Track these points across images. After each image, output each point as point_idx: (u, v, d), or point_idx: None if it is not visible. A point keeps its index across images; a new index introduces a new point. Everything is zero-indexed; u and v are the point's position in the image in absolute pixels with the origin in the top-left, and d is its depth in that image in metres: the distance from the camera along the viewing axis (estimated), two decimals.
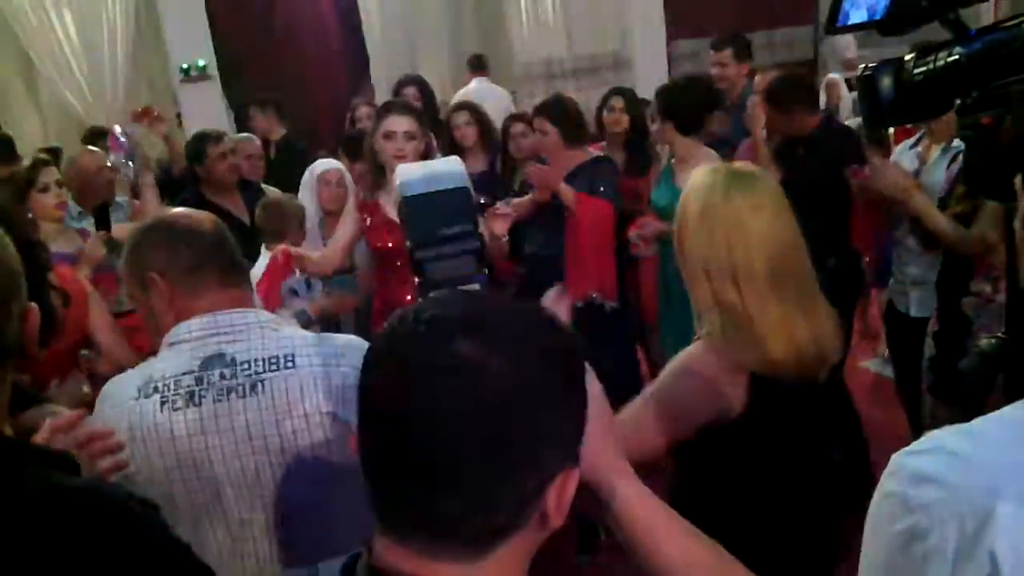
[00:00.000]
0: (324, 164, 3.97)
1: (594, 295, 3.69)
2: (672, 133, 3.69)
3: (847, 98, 7.34)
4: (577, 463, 0.84)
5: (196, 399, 1.59)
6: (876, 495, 1.01)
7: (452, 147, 4.49)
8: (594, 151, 4.03)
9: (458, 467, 0.77)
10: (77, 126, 7.58)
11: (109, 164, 4.13)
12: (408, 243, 1.06)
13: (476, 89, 7.06)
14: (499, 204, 3.31)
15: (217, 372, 1.60)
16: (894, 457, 1.04)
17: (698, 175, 1.83)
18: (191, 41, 7.37)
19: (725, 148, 3.96)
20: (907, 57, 1.65)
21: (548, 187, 3.67)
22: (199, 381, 1.60)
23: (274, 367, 1.61)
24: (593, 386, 0.93)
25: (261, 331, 1.65)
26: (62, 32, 7.26)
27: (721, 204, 1.73)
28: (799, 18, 9.06)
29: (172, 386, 1.60)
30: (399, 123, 3.18)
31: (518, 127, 4.36)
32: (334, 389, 1.61)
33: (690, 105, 3.69)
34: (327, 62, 9.80)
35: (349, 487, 1.55)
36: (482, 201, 3.94)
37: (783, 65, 6.02)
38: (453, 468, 0.77)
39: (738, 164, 2.01)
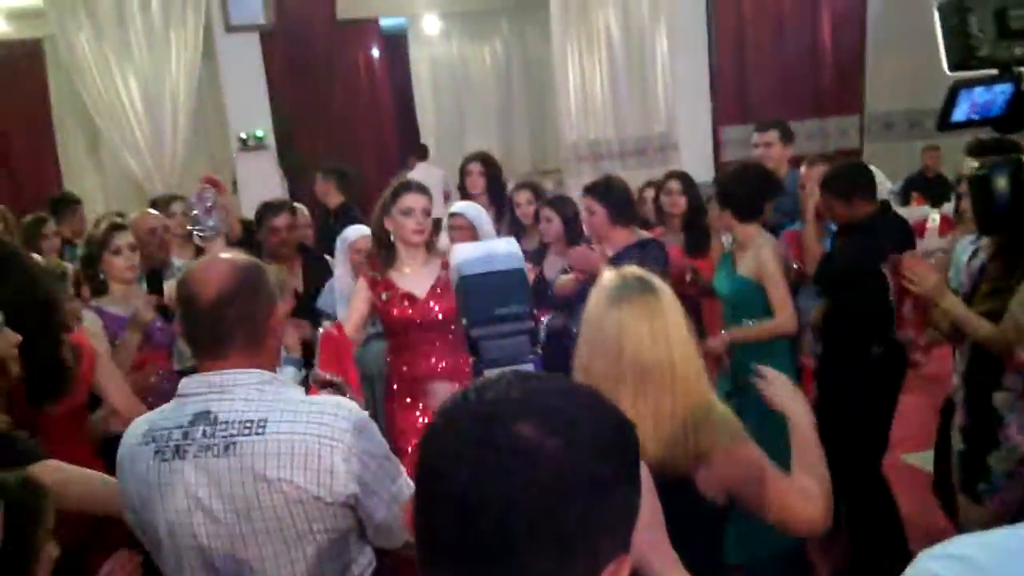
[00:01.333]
0: (356, 231, 4.04)
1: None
2: (730, 219, 3.72)
3: (884, 189, 7.36)
4: (629, 551, 0.84)
5: (181, 453, 1.69)
6: None
7: (514, 222, 4.64)
8: (645, 234, 4.03)
9: (513, 550, 0.76)
10: (136, 190, 7.80)
11: (173, 222, 4.28)
12: (464, 321, 1.08)
13: (418, 171, 8.44)
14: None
15: (200, 429, 1.69)
16: (919, 555, 1.07)
17: (598, 285, 1.97)
18: (250, 111, 7.62)
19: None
20: None
21: (589, 269, 3.67)
22: (185, 436, 1.70)
23: (247, 431, 1.67)
24: (643, 477, 0.93)
25: (248, 391, 1.71)
26: (127, 97, 7.52)
27: (613, 308, 1.85)
28: (846, 107, 9.12)
29: (165, 438, 1.71)
30: (418, 200, 3.29)
31: (546, 212, 4.45)
32: (296, 457, 1.65)
33: (748, 192, 3.73)
34: (379, 134, 10.05)
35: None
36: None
37: (830, 154, 6.05)
38: (508, 551, 0.76)
39: (631, 272, 2.08)
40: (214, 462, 1.67)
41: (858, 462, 3.58)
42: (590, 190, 3.93)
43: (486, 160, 5.09)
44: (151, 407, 1.97)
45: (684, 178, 4.61)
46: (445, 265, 3.41)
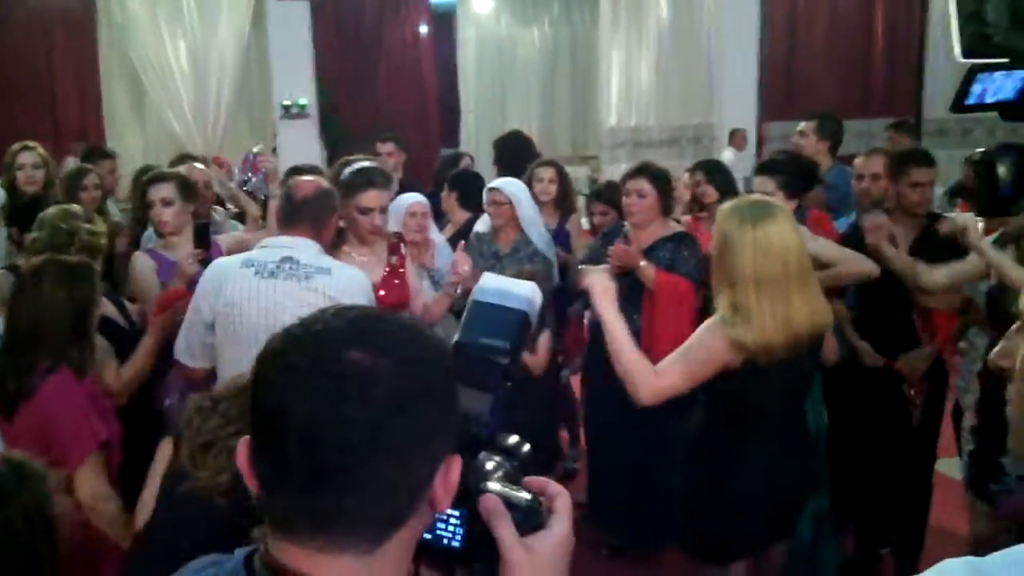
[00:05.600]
0: (411, 197, 4.06)
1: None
2: (776, 191, 3.55)
3: (936, 194, 7.24)
4: (455, 451, 0.90)
5: (274, 275, 2.68)
6: None
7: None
8: (676, 226, 3.92)
9: (359, 467, 0.82)
10: (177, 150, 7.88)
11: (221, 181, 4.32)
12: (456, 336, 1.14)
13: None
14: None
15: (287, 265, 2.71)
16: (945, 562, 1.07)
17: (725, 209, 2.47)
18: (294, 80, 7.64)
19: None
20: None
21: (630, 265, 3.60)
22: (277, 267, 2.70)
23: (319, 272, 2.72)
24: (563, 527, 0.98)
25: (313, 251, 2.77)
26: (174, 59, 7.60)
27: (749, 228, 2.36)
28: (899, 109, 8.96)
29: (262, 265, 2.70)
30: (379, 199, 3.24)
31: (598, 207, 4.38)
32: (347, 293, 2.68)
33: (797, 170, 3.66)
34: (421, 110, 10.05)
35: None
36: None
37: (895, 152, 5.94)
38: (352, 469, 0.82)
39: (754, 197, 2.70)
40: (296, 284, 2.67)
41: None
42: (643, 172, 3.72)
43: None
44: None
45: (709, 166, 4.49)
46: (392, 249, 3.40)
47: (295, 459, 0.82)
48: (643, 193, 3.66)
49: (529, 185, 4.55)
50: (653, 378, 2.37)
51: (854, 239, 3.63)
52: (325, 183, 3.00)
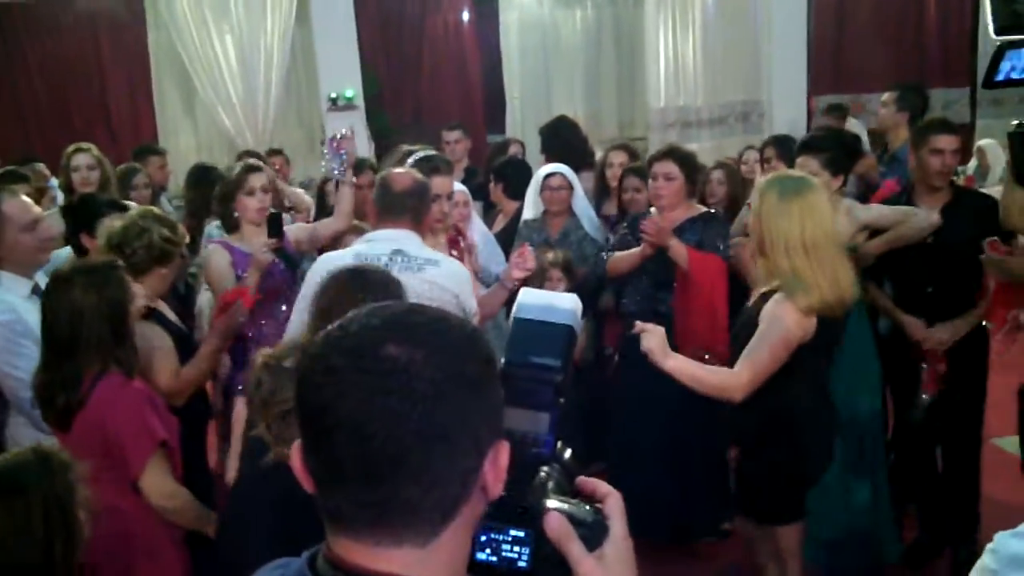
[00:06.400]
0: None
1: (705, 355, 3.44)
2: (817, 168, 3.49)
3: (999, 165, 7.04)
4: (503, 437, 0.93)
5: (389, 268, 2.59)
6: (978, 564, 1.14)
7: (602, 185, 4.54)
8: (702, 207, 3.88)
9: (409, 457, 0.84)
10: (228, 146, 7.99)
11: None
12: (503, 357, 1.14)
13: None
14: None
15: (399, 257, 2.88)
16: (998, 535, 1.14)
17: (765, 181, 2.73)
18: (341, 72, 7.68)
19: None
20: None
21: (662, 241, 3.56)
22: (390, 260, 2.85)
23: (429, 264, 2.89)
24: (620, 528, 0.99)
25: (417, 243, 2.95)
26: (223, 56, 7.68)
27: (794, 198, 2.57)
28: (953, 79, 8.73)
29: (375, 259, 2.77)
30: (444, 185, 3.39)
31: (634, 181, 4.32)
32: (455, 282, 2.90)
33: (838, 145, 3.60)
34: (467, 98, 10.06)
35: None
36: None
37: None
38: (401, 460, 0.84)
39: (789, 172, 2.93)
40: (410, 275, 2.74)
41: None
42: (671, 155, 3.74)
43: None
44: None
45: (780, 141, 4.43)
46: (452, 242, 3.44)
47: (345, 456, 0.85)
48: (671, 176, 3.68)
49: (601, 170, 4.56)
50: (735, 377, 2.58)
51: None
52: (419, 175, 3.10)
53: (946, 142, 3.36)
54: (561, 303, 1.11)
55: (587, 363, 4.17)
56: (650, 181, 3.80)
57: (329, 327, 0.91)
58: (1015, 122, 1.81)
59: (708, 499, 3.77)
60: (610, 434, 3.97)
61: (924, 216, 3.40)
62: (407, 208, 2.97)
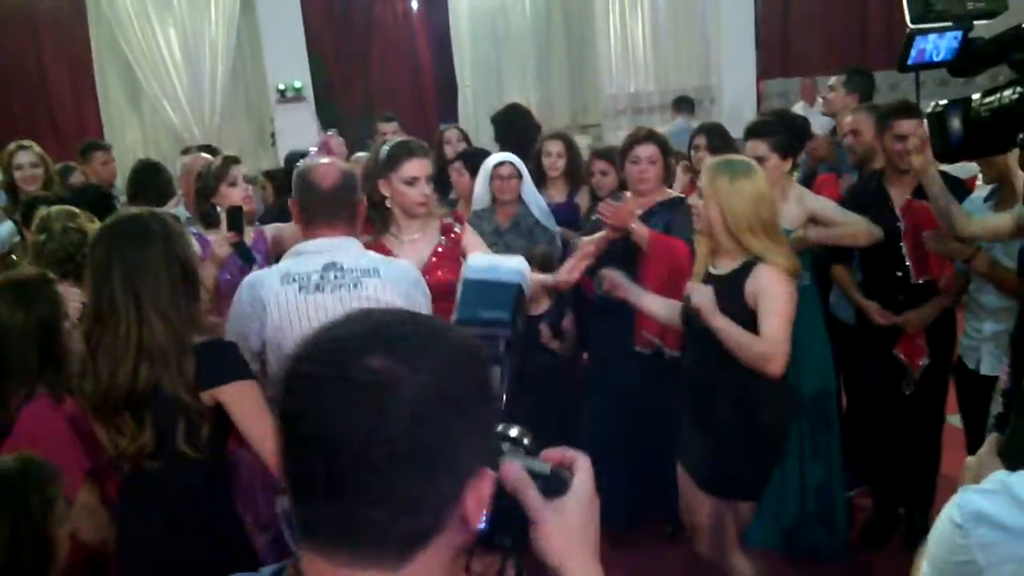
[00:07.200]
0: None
1: (657, 341, 3.49)
2: (768, 152, 3.47)
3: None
4: (489, 465, 0.86)
5: (320, 288, 2.43)
6: (941, 516, 1.16)
7: (539, 172, 4.48)
8: (671, 192, 3.87)
9: (379, 478, 0.79)
10: (174, 139, 7.86)
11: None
12: (453, 316, 1.13)
13: None
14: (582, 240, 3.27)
15: (332, 273, 2.46)
16: (961, 490, 1.17)
17: (712, 165, 2.71)
18: (288, 63, 7.60)
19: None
20: (975, 96, 1.82)
21: (623, 225, 3.54)
22: (321, 277, 2.45)
23: (367, 275, 2.48)
24: (586, 487, 0.95)
25: (356, 250, 2.53)
26: (166, 49, 7.56)
27: (744, 180, 2.61)
28: (896, 61, 8.87)
29: (305, 278, 2.44)
30: (422, 167, 3.06)
31: (600, 165, 4.29)
32: (400, 291, 2.51)
33: (788, 129, 3.62)
34: (417, 86, 9.99)
35: None
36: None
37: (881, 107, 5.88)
38: (374, 479, 0.79)
39: (732, 156, 2.93)
40: (347, 294, 2.44)
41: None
42: (652, 138, 3.68)
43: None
44: None
45: (710, 132, 4.44)
46: (445, 230, 3.27)
47: (315, 467, 0.80)
48: (654, 159, 3.63)
49: (537, 159, 4.51)
50: (774, 347, 2.58)
51: (855, 201, 3.62)
52: (343, 164, 2.76)
53: (909, 127, 3.38)
54: (508, 263, 1.13)
55: (567, 358, 4.10)
56: (629, 165, 3.74)
57: (318, 328, 0.86)
58: (933, 103, 1.86)
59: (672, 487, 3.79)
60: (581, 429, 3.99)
61: (865, 228, 3.43)
62: (340, 206, 2.53)
